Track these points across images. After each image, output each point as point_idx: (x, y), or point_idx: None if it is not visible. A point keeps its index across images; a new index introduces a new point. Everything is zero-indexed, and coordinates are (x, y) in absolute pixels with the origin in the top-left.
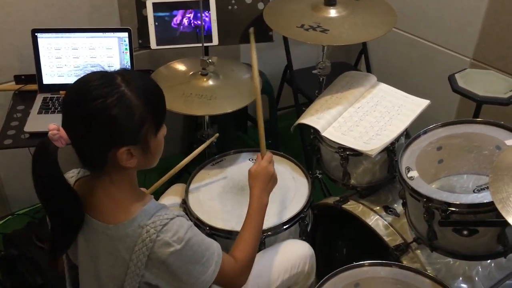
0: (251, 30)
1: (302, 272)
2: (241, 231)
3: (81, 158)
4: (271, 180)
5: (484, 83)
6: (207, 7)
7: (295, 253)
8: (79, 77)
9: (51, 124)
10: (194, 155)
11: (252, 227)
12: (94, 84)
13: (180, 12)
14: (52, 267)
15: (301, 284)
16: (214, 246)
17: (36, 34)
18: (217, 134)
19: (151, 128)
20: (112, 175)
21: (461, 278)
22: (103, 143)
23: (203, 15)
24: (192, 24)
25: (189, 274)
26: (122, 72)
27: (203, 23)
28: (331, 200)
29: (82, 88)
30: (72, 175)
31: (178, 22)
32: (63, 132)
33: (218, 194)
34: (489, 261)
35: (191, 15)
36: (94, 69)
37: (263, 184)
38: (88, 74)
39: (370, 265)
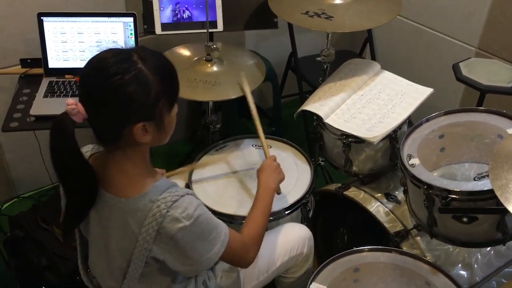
0: (243, 74)
1: (301, 254)
2: (249, 212)
3: (97, 133)
4: (276, 171)
5: (488, 72)
6: None
7: (294, 235)
8: (96, 53)
9: (69, 99)
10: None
11: (259, 208)
12: (112, 60)
13: None
14: (65, 242)
15: (299, 265)
16: (222, 225)
17: (42, 18)
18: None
19: (165, 104)
20: (127, 150)
21: (460, 265)
22: (120, 119)
23: (208, 1)
24: (197, 10)
25: (195, 250)
26: (137, 49)
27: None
28: (333, 187)
29: (100, 64)
30: (86, 150)
31: (183, 7)
32: (80, 107)
33: (221, 179)
34: (488, 248)
35: (196, 1)
36: (111, 46)
37: (269, 172)
38: (105, 51)
39: (370, 250)
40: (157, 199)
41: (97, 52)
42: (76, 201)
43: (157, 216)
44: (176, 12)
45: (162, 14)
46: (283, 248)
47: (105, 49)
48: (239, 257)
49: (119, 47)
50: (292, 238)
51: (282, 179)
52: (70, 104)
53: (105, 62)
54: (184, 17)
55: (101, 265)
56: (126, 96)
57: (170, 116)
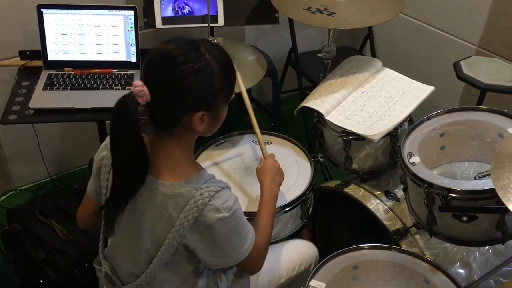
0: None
1: (307, 271)
2: (256, 218)
3: (155, 118)
4: (278, 173)
5: (489, 71)
6: None
7: (304, 252)
8: (166, 39)
9: (137, 81)
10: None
11: (266, 214)
12: (182, 49)
13: None
14: (109, 228)
15: (303, 283)
16: (249, 226)
17: (41, 10)
18: None
19: (224, 97)
20: (181, 136)
21: (458, 263)
22: (182, 106)
23: None
24: (198, 4)
25: (229, 243)
26: (203, 41)
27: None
28: (332, 184)
29: (170, 53)
30: None
31: (184, 2)
32: (146, 90)
33: (221, 175)
34: (487, 247)
35: None
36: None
37: (271, 176)
38: (176, 38)
39: (370, 248)
40: (200, 187)
41: (168, 39)
42: (125, 185)
43: (199, 203)
44: (177, 6)
45: (163, 8)
46: (292, 262)
47: (176, 36)
48: (254, 262)
49: (186, 37)
50: (302, 254)
51: (283, 180)
52: (138, 85)
53: (175, 51)
54: (185, 12)
55: (126, 249)
56: (193, 84)
57: (224, 109)
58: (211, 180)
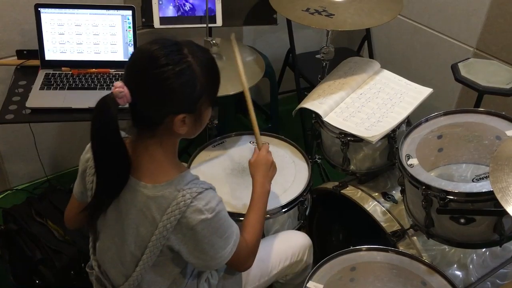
0: (233, 36)
1: (301, 261)
2: (246, 215)
3: (136, 119)
4: (271, 167)
5: (487, 73)
6: None
7: (296, 242)
8: (151, 40)
9: (117, 82)
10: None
11: (256, 211)
12: (164, 51)
13: None
14: (92, 228)
15: (298, 273)
16: (235, 226)
17: (39, 9)
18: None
19: (207, 100)
20: (162, 138)
21: (455, 265)
22: (164, 108)
23: None
24: (196, 4)
25: (212, 245)
26: (186, 43)
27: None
28: (330, 185)
29: (152, 54)
30: None
31: (182, 2)
32: (127, 91)
33: (218, 176)
34: (484, 249)
35: None
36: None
37: (264, 172)
38: (159, 40)
39: (367, 249)
40: (182, 189)
41: (152, 40)
42: (108, 184)
43: (181, 205)
44: (175, 6)
45: (161, 8)
46: (284, 253)
47: (159, 38)
48: (242, 260)
49: (169, 38)
50: (294, 244)
51: (275, 174)
52: (118, 86)
53: (157, 52)
54: (183, 10)
55: (113, 251)
56: (175, 87)
57: (207, 111)
58: (194, 181)
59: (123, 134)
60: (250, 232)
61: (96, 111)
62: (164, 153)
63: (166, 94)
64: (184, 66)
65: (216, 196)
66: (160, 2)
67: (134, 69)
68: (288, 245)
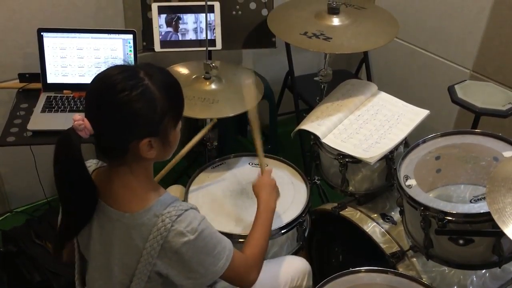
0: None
1: (300, 287)
2: (250, 231)
3: (102, 149)
4: (275, 190)
5: (483, 95)
6: (211, 12)
7: (296, 267)
8: (103, 69)
9: (76, 115)
10: (194, 141)
11: (260, 226)
12: (119, 77)
13: (185, 16)
14: (56, 256)
15: None
16: (226, 241)
17: (42, 33)
18: (215, 120)
19: (171, 121)
20: (132, 165)
21: (455, 287)
22: (126, 134)
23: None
24: (197, 28)
25: (200, 264)
26: (144, 66)
27: (207, 28)
28: (329, 206)
29: (107, 81)
30: (90, 165)
31: (182, 26)
32: (87, 123)
33: (217, 197)
34: (484, 271)
35: (196, 19)
36: (117, 63)
37: (268, 191)
38: (112, 67)
39: (366, 271)
40: (161, 214)
41: (104, 68)
42: (73, 214)
43: (162, 230)
44: (176, 29)
45: (162, 32)
46: (284, 278)
47: (111, 65)
48: (242, 277)
49: (125, 63)
50: (294, 269)
51: (278, 197)
52: (77, 119)
53: (112, 79)
54: (184, 35)
55: (101, 281)
56: (133, 112)
57: (175, 132)
58: (173, 204)
59: (97, 162)
60: (252, 246)
61: (58, 146)
62: (137, 179)
63: (126, 121)
64: (141, 90)
65: (198, 215)
66: (161, 26)
67: (91, 99)
68: (289, 270)
